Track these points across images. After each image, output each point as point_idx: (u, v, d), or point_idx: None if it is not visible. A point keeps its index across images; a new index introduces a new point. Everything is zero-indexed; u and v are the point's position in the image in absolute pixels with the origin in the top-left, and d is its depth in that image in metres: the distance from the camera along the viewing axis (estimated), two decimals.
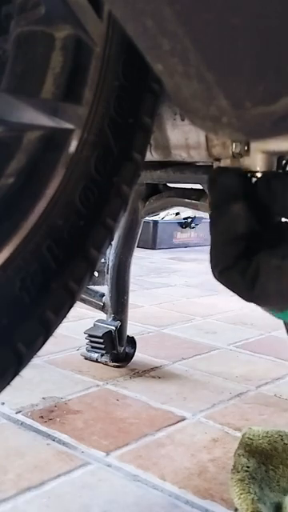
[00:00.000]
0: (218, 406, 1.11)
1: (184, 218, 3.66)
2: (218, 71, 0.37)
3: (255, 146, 0.57)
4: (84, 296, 1.31)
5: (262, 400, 1.15)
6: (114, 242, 1.27)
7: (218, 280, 0.53)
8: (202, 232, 3.70)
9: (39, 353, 0.53)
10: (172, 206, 1.25)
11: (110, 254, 1.29)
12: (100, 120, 0.52)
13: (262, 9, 0.34)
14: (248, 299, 0.52)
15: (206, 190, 1.05)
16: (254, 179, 0.56)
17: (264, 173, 0.57)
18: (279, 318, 0.54)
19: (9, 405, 1.06)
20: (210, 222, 0.54)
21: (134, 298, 1.58)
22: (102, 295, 1.33)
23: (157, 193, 1.20)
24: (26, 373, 0.52)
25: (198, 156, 0.71)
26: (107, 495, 0.79)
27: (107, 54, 0.52)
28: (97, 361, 1.31)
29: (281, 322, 1.03)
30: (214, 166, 0.63)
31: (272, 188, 0.53)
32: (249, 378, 1.27)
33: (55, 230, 0.51)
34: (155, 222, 3.52)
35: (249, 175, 0.56)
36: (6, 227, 0.49)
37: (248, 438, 0.87)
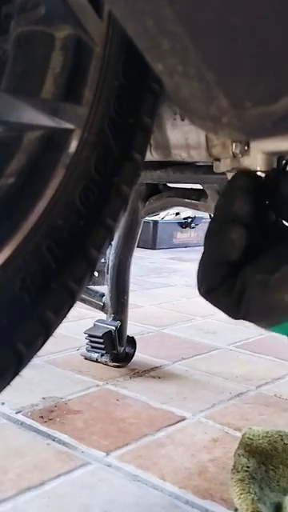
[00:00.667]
0: (218, 406, 1.11)
1: (184, 218, 3.66)
2: (218, 71, 0.37)
3: (255, 145, 0.57)
4: (84, 296, 1.31)
5: (262, 400, 1.15)
6: (114, 242, 1.27)
7: (203, 297, 0.53)
8: (201, 232, 3.69)
9: (39, 353, 0.53)
10: (172, 205, 1.25)
11: (110, 254, 1.29)
12: (100, 120, 0.52)
13: (262, 9, 0.34)
14: (235, 318, 0.51)
15: (210, 197, 1.04)
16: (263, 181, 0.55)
17: (273, 170, 0.56)
18: (276, 332, 0.54)
19: (9, 405, 1.06)
20: (206, 237, 0.53)
21: (133, 298, 1.58)
22: (102, 295, 1.32)
23: (157, 193, 1.20)
24: (26, 373, 0.52)
25: (198, 156, 0.71)
26: (107, 495, 0.79)
27: (107, 54, 0.52)
28: (97, 361, 1.31)
29: None
30: (215, 168, 0.63)
31: (280, 186, 0.52)
32: (249, 377, 1.27)
33: (55, 230, 0.50)
34: (155, 222, 3.52)
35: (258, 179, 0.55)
36: (6, 227, 0.49)
37: (248, 437, 0.87)
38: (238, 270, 0.51)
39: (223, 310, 0.52)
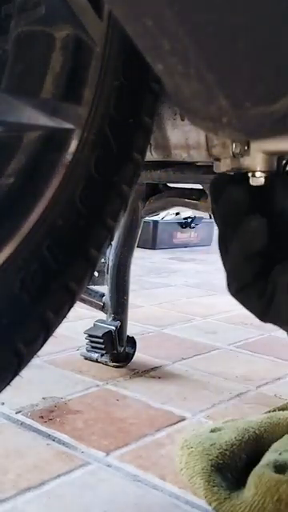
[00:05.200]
0: (218, 406, 1.11)
1: (184, 218, 3.66)
2: (218, 71, 0.37)
3: (255, 145, 0.57)
4: (84, 296, 1.31)
5: (262, 400, 1.15)
6: (114, 242, 1.27)
7: (233, 297, 0.52)
8: (202, 232, 3.70)
9: (39, 353, 0.53)
10: (172, 205, 1.25)
11: (110, 254, 1.29)
12: (100, 120, 0.52)
13: (261, 9, 0.34)
14: (262, 320, 0.51)
15: (209, 196, 1.04)
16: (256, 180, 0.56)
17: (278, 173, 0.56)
18: None
19: (9, 405, 1.06)
20: (221, 237, 0.53)
21: (133, 298, 1.58)
22: (102, 295, 1.32)
23: (157, 193, 1.20)
24: (26, 373, 0.52)
25: (198, 156, 0.71)
26: (107, 495, 0.79)
27: (107, 54, 0.52)
28: (97, 361, 1.31)
29: None
30: (215, 168, 0.63)
31: (275, 197, 0.52)
32: (249, 378, 1.27)
33: (55, 230, 0.51)
34: (155, 222, 3.51)
35: (250, 176, 0.56)
36: (6, 227, 0.49)
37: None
38: (268, 269, 0.50)
39: (252, 312, 0.51)
